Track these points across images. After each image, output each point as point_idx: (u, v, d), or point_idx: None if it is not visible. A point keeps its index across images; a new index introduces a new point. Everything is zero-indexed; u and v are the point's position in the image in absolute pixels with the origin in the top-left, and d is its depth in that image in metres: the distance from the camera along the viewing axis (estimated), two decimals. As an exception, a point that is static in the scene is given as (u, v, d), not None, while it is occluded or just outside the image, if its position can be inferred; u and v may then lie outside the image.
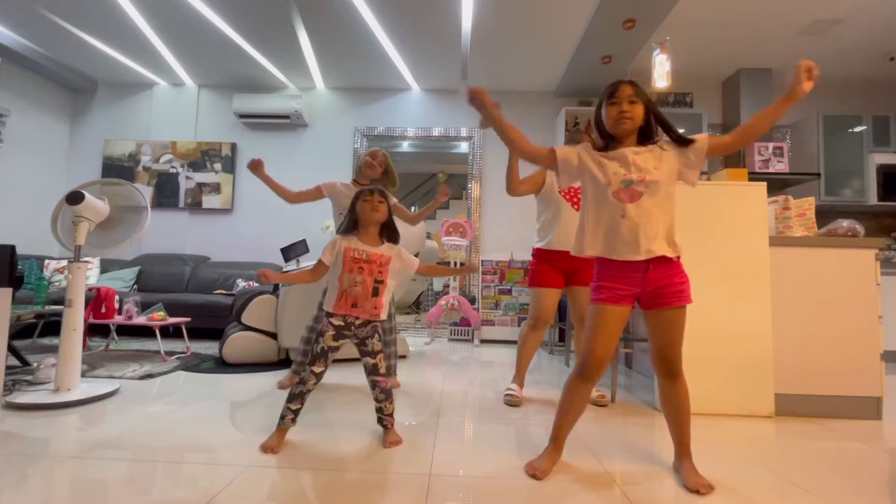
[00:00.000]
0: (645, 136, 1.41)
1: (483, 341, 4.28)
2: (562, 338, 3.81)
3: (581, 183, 1.47)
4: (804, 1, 3.43)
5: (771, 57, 4.25)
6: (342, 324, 1.59)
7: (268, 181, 2.38)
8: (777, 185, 4.29)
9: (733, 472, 1.45)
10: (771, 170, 4.12)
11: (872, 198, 4.21)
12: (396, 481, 1.32)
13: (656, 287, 1.36)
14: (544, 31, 3.81)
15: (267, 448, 1.51)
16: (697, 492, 1.29)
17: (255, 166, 2.32)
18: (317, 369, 1.58)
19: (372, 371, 1.63)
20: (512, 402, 2.18)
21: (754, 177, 3.43)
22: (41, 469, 1.33)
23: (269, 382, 2.46)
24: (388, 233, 1.68)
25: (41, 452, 1.45)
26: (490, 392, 2.41)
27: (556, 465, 1.42)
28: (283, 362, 2.94)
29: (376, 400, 1.65)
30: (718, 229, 2.14)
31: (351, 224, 1.66)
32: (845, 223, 2.23)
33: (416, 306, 5.87)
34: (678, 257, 1.38)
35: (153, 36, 4.09)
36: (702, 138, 1.38)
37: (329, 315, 1.60)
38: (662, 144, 1.40)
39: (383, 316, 1.63)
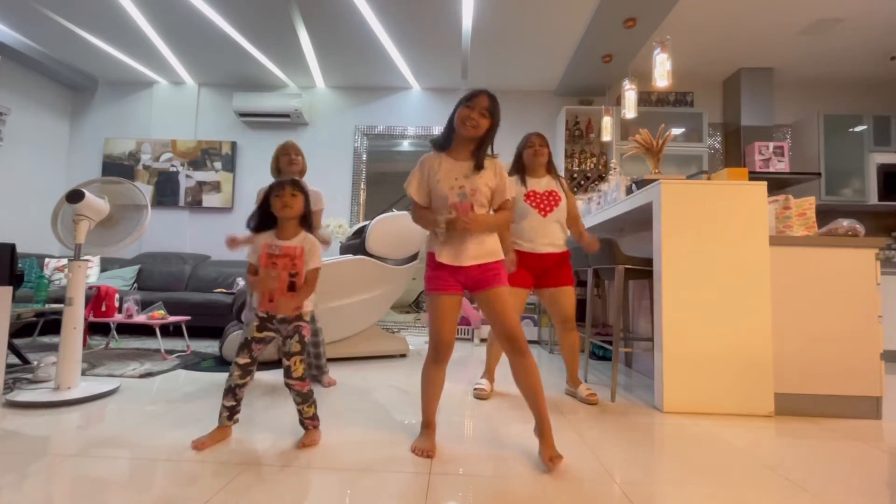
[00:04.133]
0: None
1: (483, 340, 4.28)
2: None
3: None
4: (804, 1, 3.43)
5: (771, 56, 4.25)
6: (265, 316, 1.57)
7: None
8: (777, 184, 4.29)
9: (733, 471, 1.45)
10: (771, 169, 4.12)
11: (873, 197, 4.22)
12: (396, 480, 1.32)
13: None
14: (545, 30, 3.80)
15: (196, 443, 1.48)
16: (550, 461, 1.38)
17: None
18: (241, 360, 1.54)
19: (286, 373, 1.56)
20: (480, 395, 2.27)
21: (754, 176, 3.41)
22: (41, 467, 1.33)
23: (268, 381, 2.46)
24: (307, 224, 1.62)
25: (41, 451, 1.45)
26: (490, 391, 2.41)
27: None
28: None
29: (294, 402, 1.59)
30: (718, 229, 2.14)
31: (266, 220, 1.60)
32: (845, 223, 2.23)
33: (416, 305, 5.87)
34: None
35: (153, 34, 4.09)
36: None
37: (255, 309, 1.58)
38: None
39: (307, 308, 1.58)
